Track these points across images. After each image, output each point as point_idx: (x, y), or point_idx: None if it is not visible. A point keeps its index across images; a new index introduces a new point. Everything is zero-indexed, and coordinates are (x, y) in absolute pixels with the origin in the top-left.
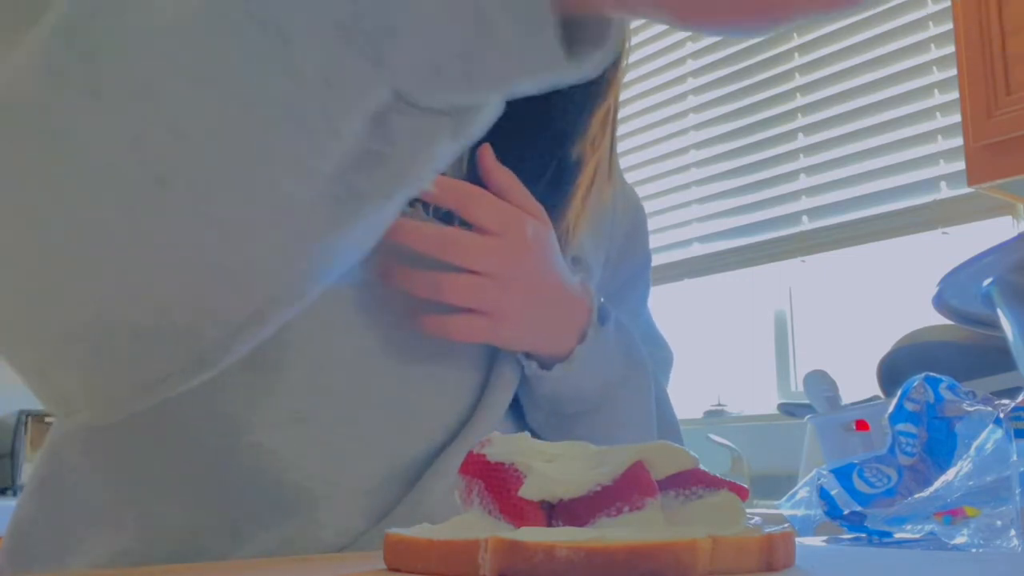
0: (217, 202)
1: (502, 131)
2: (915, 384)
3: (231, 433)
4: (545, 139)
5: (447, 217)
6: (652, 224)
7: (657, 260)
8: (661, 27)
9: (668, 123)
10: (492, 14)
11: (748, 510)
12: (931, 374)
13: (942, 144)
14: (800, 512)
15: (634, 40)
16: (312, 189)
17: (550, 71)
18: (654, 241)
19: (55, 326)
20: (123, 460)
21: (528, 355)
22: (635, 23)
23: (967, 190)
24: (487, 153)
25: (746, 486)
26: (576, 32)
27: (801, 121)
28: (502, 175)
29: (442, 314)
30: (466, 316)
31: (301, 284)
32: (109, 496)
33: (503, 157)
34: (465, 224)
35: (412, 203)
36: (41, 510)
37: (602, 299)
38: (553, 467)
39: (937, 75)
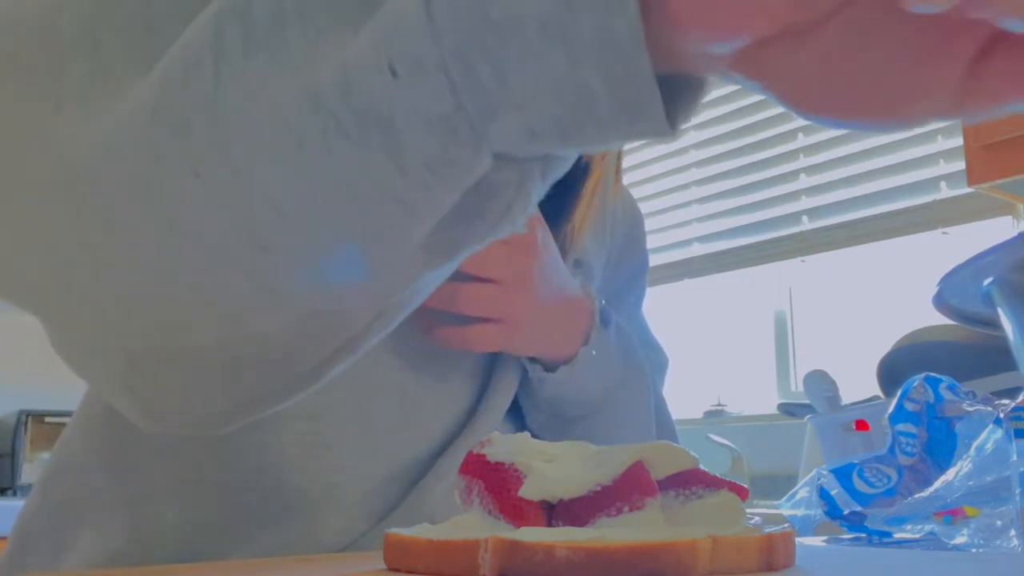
0: (317, 266)
1: None
2: (915, 384)
3: (237, 431)
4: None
5: None
6: (652, 224)
7: (657, 260)
8: None
9: None
10: (596, 94)
11: (748, 510)
12: (931, 374)
13: (942, 144)
14: (800, 512)
15: None
16: (410, 251)
17: (649, 137)
18: (654, 241)
19: (152, 351)
20: (124, 458)
21: (532, 358)
22: None
23: (967, 190)
24: None
25: (746, 486)
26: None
27: (801, 121)
28: None
29: (457, 325)
30: (483, 326)
31: (393, 315)
32: (108, 495)
33: None
34: None
35: None
36: (42, 508)
37: (603, 301)
38: (553, 467)
39: None
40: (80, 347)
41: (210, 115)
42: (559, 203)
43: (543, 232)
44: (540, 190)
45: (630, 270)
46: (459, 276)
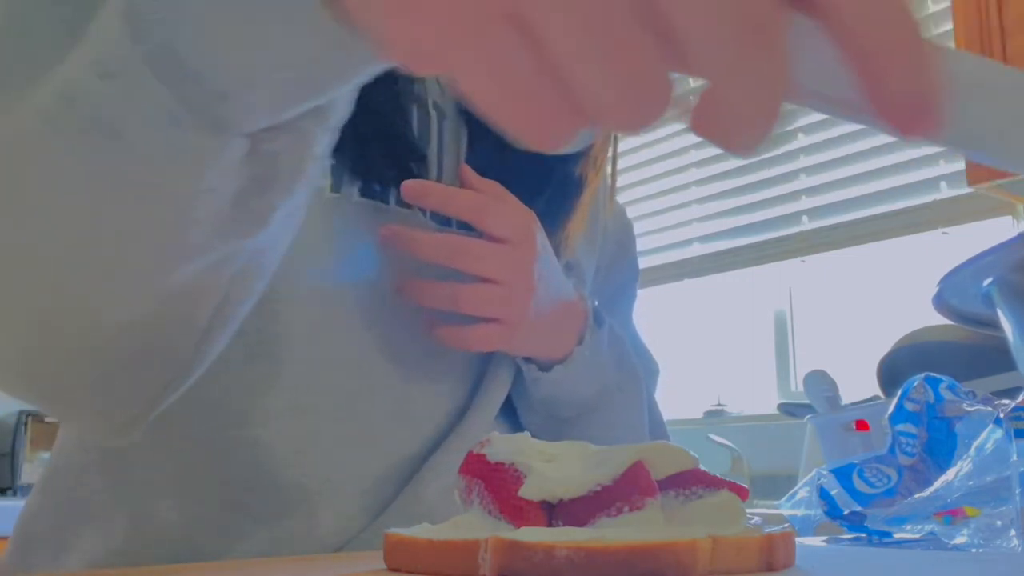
0: (134, 261)
1: (502, 150)
2: (915, 384)
3: (229, 427)
4: (545, 157)
5: (446, 219)
6: (652, 224)
7: (657, 260)
8: None
9: (668, 123)
10: (314, 56)
11: (748, 510)
12: (931, 374)
13: None
14: (800, 512)
15: None
16: (210, 230)
17: (372, 65)
18: (654, 241)
19: (55, 379)
20: (120, 456)
21: (527, 359)
22: None
23: (967, 190)
24: (468, 172)
25: (746, 486)
26: None
27: (801, 121)
28: (489, 187)
29: (457, 324)
30: (483, 327)
31: (249, 281)
32: (107, 494)
33: (503, 173)
34: (463, 226)
35: (410, 207)
36: (43, 508)
37: (596, 303)
38: (553, 467)
39: None
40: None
41: None
42: (555, 213)
43: (540, 235)
44: (324, 140)
45: (621, 277)
46: (460, 276)
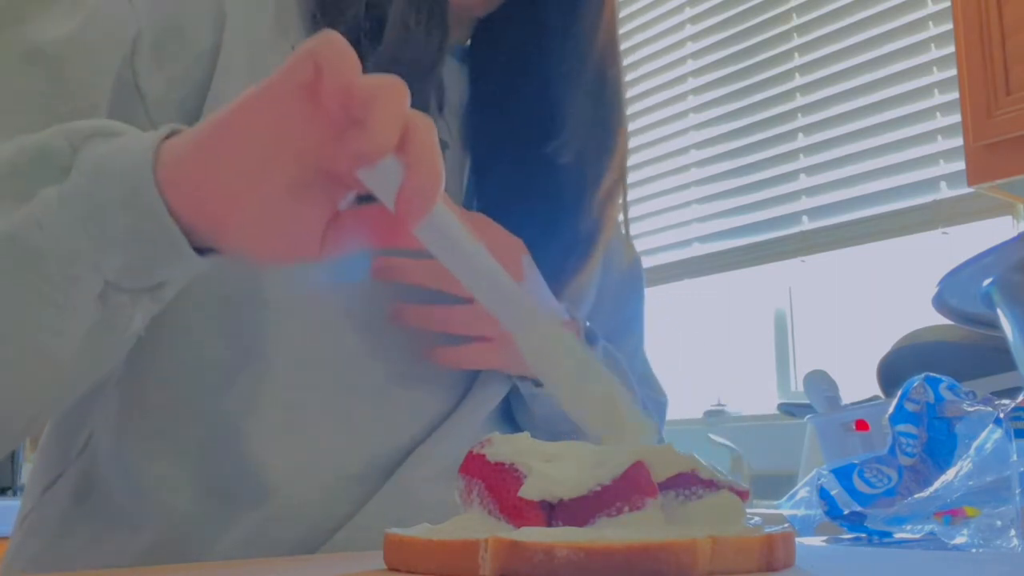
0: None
1: (506, 180)
2: (915, 384)
3: (219, 420)
4: (551, 211)
5: None
6: (652, 224)
7: (657, 260)
8: (661, 26)
9: (668, 123)
10: (157, 240)
11: (748, 510)
12: (931, 374)
13: (942, 144)
14: (800, 512)
15: (635, 38)
16: (66, 344)
17: (195, 269)
18: (654, 241)
19: None
20: (130, 458)
21: (522, 376)
22: (634, 20)
23: (967, 190)
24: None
25: (746, 486)
26: None
27: (801, 121)
28: (474, 219)
29: (453, 345)
30: (474, 345)
31: (55, 404)
32: (123, 497)
33: (506, 200)
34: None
35: None
36: (80, 516)
37: (588, 323)
38: (553, 467)
39: (937, 75)
40: None
41: None
42: (563, 272)
43: (527, 258)
44: (155, 308)
45: (629, 311)
46: (452, 299)
